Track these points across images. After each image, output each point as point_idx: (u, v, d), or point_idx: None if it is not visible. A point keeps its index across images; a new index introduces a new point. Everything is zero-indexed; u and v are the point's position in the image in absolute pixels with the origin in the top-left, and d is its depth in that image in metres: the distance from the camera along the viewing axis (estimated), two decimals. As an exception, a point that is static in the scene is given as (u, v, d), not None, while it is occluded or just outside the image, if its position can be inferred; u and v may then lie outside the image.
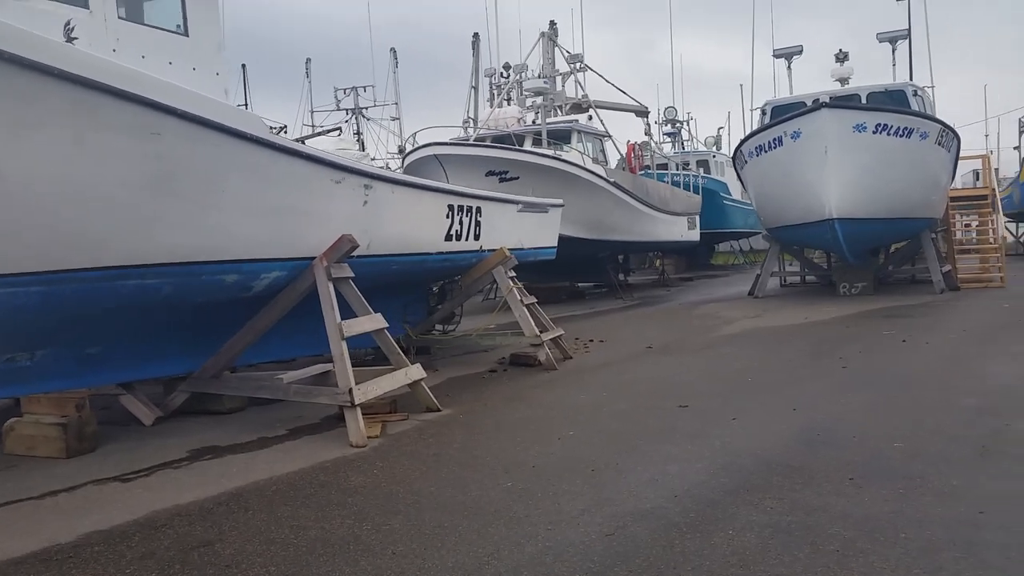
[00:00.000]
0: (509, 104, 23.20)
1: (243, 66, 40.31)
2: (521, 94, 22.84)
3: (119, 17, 6.27)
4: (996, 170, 37.00)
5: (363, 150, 29.54)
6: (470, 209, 9.59)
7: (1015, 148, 41.58)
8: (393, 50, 42.40)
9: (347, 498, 4.78)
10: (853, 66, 19.46)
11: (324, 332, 6.58)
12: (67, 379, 6.18)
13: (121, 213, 5.46)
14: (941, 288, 16.55)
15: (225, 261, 6.26)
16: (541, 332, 9.77)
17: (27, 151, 4.89)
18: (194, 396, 7.29)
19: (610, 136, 22.02)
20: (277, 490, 5.02)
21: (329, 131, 15.82)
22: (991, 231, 19.76)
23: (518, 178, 15.55)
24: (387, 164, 28.22)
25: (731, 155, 21.65)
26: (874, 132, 14.78)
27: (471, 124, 25.29)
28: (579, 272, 21.38)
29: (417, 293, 10.53)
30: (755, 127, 18.54)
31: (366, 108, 38.05)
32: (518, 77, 23.47)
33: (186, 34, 6.78)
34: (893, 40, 20.61)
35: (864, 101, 17.87)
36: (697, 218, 26.43)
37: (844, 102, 16.45)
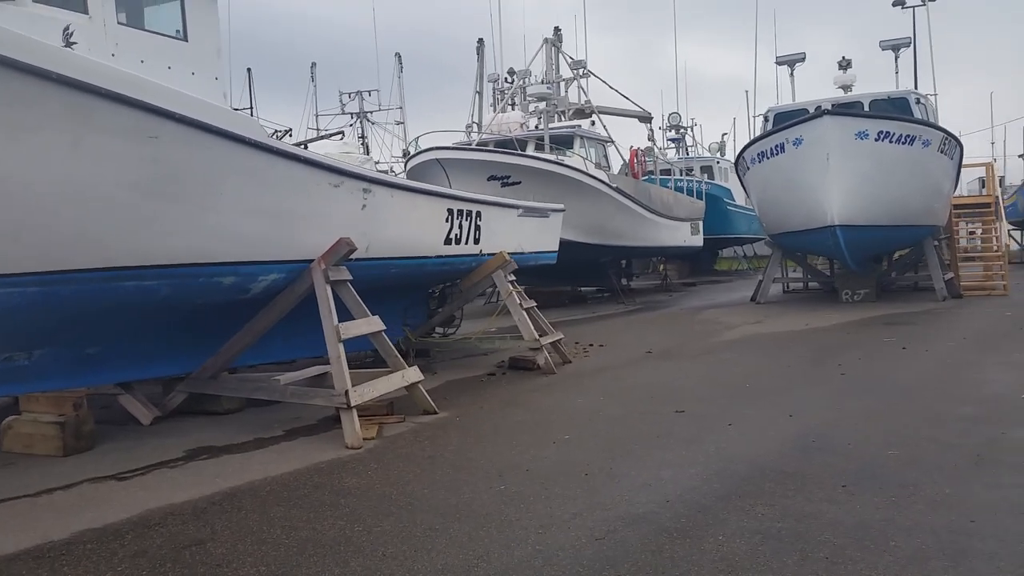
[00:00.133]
0: (513, 109, 23.23)
1: (248, 70, 40.49)
2: (524, 99, 22.88)
3: (119, 22, 6.30)
4: (1002, 178, 37.04)
5: (367, 154, 29.62)
6: (470, 213, 9.62)
7: (1020, 156, 41.53)
8: (398, 55, 42.47)
9: (340, 499, 4.80)
10: (857, 73, 19.42)
11: (323, 334, 6.61)
12: (65, 378, 6.21)
13: (119, 215, 5.51)
14: (943, 296, 16.52)
15: (223, 263, 6.30)
16: (540, 336, 9.79)
17: (26, 154, 4.94)
18: (192, 396, 7.32)
19: (613, 141, 22.06)
20: (271, 490, 5.04)
21: (332, 135, 15.82)
22: (994, 239, 19.73)
23: (520, 183, 15.60)
24: (391, 168, 28.31)
25: (734, 161, 21.65)
26: (876, 139, 14.78)
27: (474, 129, 25.32)
28: (581, 276, 21.41)
29: (417, 296, 10.55)
30: (758, 134, 18.54)
31: (371, 112, 38.14)
32: (521, 82, 23.52)
33: (185, 39, 6.81)
34: (896, 48, 20.59)
35: (867, 109, 17.87)
36: (700, 223, 26.44)
37: (846, 109, 16.45)
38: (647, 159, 24.63)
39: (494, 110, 27.07)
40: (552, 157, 17.47)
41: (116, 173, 5.39)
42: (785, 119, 17.05)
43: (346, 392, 6.24)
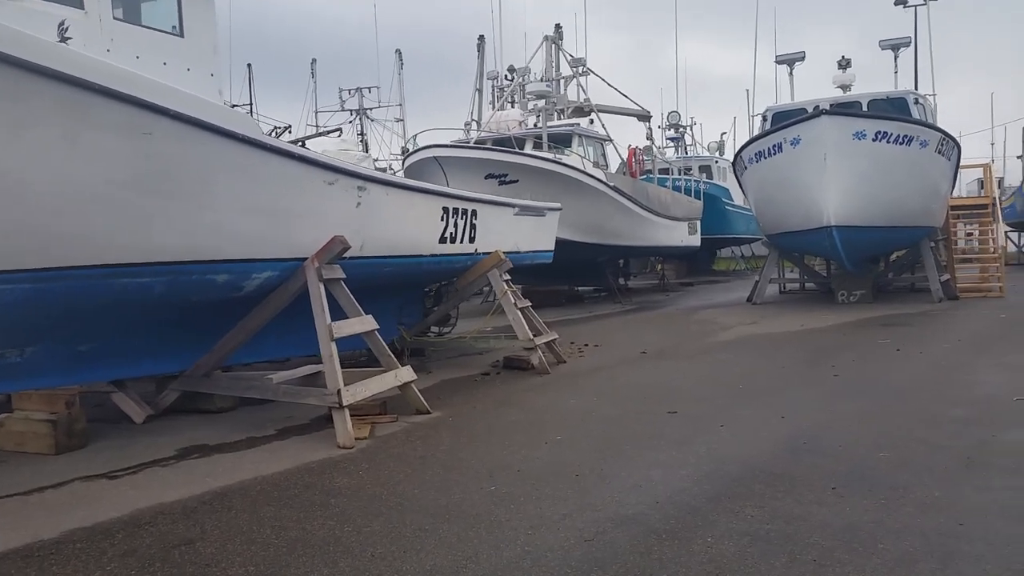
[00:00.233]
0: (513, 107, 23.22)
1: (248, 66, 40.52)
2: (524, 97, 22.86)
3: (114, 18, 6.30)
4: (1000, 179, 37.04)
5: (367, 151, 29.60)
6: (465, 212, 9.61)
7: (1019, 157, 41.49)
8: (398, 51, 42.52)
9: (330, 499, 4.80)
10: (861, 73, 19.45)
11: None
12: (57, 376, 6.20)
13: (112, 211, 5.50)
14: (939, 297, 16.54)
15: (216, 261, 6.29)
16: (535, 336, 9.79)
17: (18, 149, 4.93)
18: (186, 395, 7.32)
19: (611, 140, 22.04)
20: (261, 490, 5.04)
21: (330, 132, 15.85)
22: (991, 240, 19.75)
23: (517, 181, 15.59)
24: (390, 165, 28.30)
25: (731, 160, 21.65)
26: (873, 140, 14.78)
27: (473, 127, 25.30)
28: (578, 276, 21.40)
29: (413, 295, 10.55)
30: (756, 133, 18.55)
31: (370, 109, 38.19)
32: (521, 80, 23.50)
33: (181, 35, 6.81)
34: (895, 47, 20.59)
35: (865, 108, 17.86)
36: (698, 223, 26.43)
37: (844, 109, 16.45)
38: (645, 158, 24.61)
39: (493, 108, 27.07)
40: (550, 155, 17.47)
41: (109, 169, 5.38)
42: (783, 119, 17.05)
43: (338, 391, 6.24)
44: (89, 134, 5.19)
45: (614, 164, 22.51)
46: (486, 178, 15.41)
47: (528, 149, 18.43)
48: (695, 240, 26.21)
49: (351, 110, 37.75)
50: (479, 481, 5.10)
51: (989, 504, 4.44)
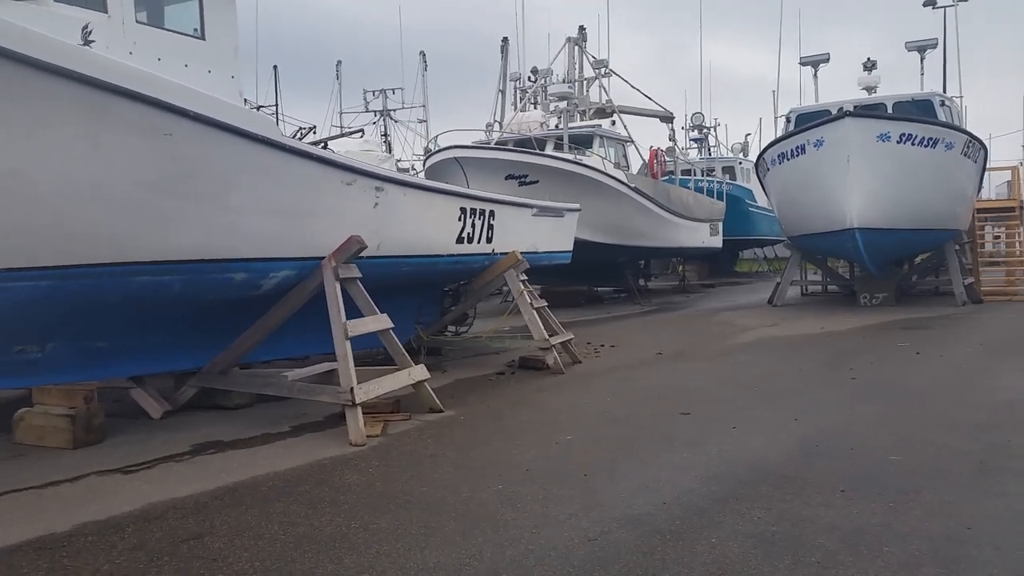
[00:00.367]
0: (536, 108, 23.24)
1: (275, 67, 40.82)
2: (545, 99, 22.87)
3: (137, 21, 6.41)
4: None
5: (390, 152, 29.76)
6: (483, 212, 9.64)
7: (1049, 159, 40.82)
8: (422, 53, 42.64)
9: (340, 496, 4.85)
10: (889, 75, 19.37)
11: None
12: (77, 372, 6.31)
13: (133, 211, 5.60)
14: (963, 300, 16.33)
15: (234, 260, 6.37)
16: (550, 336, 9.80)
17: (42, 149, 5.04)
18: (204, 391, 7.41)
19: (632, 141, 21.97)
20: (272, 486, 5.09)
21: (352, 133, 15.97)
22: (1018, 243, 19.47)
23: (538, 182, 15.60)
24: (412, 166, 28.40)
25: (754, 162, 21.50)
26: (898, 142, 14.63)
27: (495, 128, 25.35)
28: (598, 276, 21.36)
29: (430, 294, 10.60)
30: (780, 135, 18.42)
31: (394, 110, 38.33)
32: (543, 82, 23.51)
33: (203, 38, 6.90)
34: (921, 49, 20.35)
35: (890, 111, 17.68)
36: (720, 224, 26.28)
37: (868, 111, 16.31)
38: (667, 159, 24.53)
39: (515, 109, 27.10)
40: (570, 156, 17.45)
41: (130, 169, 5.48)
42: (807, 120, 16.94)
43: (351, 389, 6.29)
44: (110, 135, 5.29)
45: (636, 165, 22.45)
46: (506, 179, 15.43)
47: (549, 150, 18.43)
48: (717, 241, 26.07)
49: (375, 111, 37.94)
50: (488, 480, 5.13)
51: (1001, 509, 4.40)
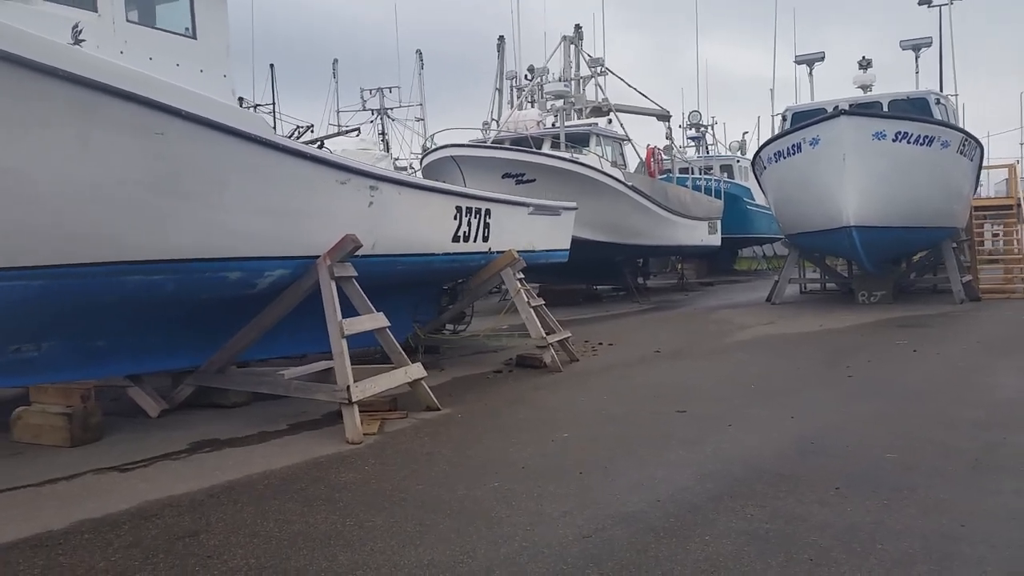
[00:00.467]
0: (533, 107, 23.23)
1: (271, 66, 40.76)
2: (542, 97, 22.87)
3: (128, 20, 6.40)
4: (1027, 179, 36.48)
5: (387, 151, 29.72)
6: (479, 211, 9.65)
7: (1046, 157, 40.85)
8: (419, 51, 42.63)
9: (335, 493, 4.86)
10: (882, 74, 19.36)
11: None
12: (73, 370, 6.32)
13: (126, 210, 5.60)
14: (961, 298, 16.35)
15: (228, 259, 6.38)
16: (548, 334, 9.81)
17: (34, 149, 5.04)
18: (201, 389, 7.42)
19: (629, 140, 21.98)
20: (268, 484, 5.10)
21: (348, 132, 15.98)
22: (1015, 241, 19.49)
23: (534, 180, 15.60)
24: (410, 165, 28.40)
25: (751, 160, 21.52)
26: (894, 140, 14.66)
27: (491, 126, 25.34)
28: (596, 275, 21.38)
29: (427, 293, 10.61)
30: (776, 133, 18.44)
31: (391, 109, 38.35)
32: (539, 80, 23.51)
33: (194, 37, 6.90)
34: (916, 48, 20.37)
35: (885, 109, 17.70)
36: (719, 223, 26.28)
37: (864, 110, 16.32)
38: (665, 158, 24.53)
39: (512, 108, 27.08)
40: (567, 155, 17.45)
41: (123, 168, 5.48)
42: (803, 118, 16.95)
43: (347, 388, 6.30)
44: (102, 134, 5.29)
45: (633, 164, 22.46)
46: (503, 177, 15.43)
47: (546, 149, 18.43)
48: (715, 240, 26.07)
49: (372, 110, 37.95)
50: (483, 478, 5.14)
51: (996, 507, 4.41)
